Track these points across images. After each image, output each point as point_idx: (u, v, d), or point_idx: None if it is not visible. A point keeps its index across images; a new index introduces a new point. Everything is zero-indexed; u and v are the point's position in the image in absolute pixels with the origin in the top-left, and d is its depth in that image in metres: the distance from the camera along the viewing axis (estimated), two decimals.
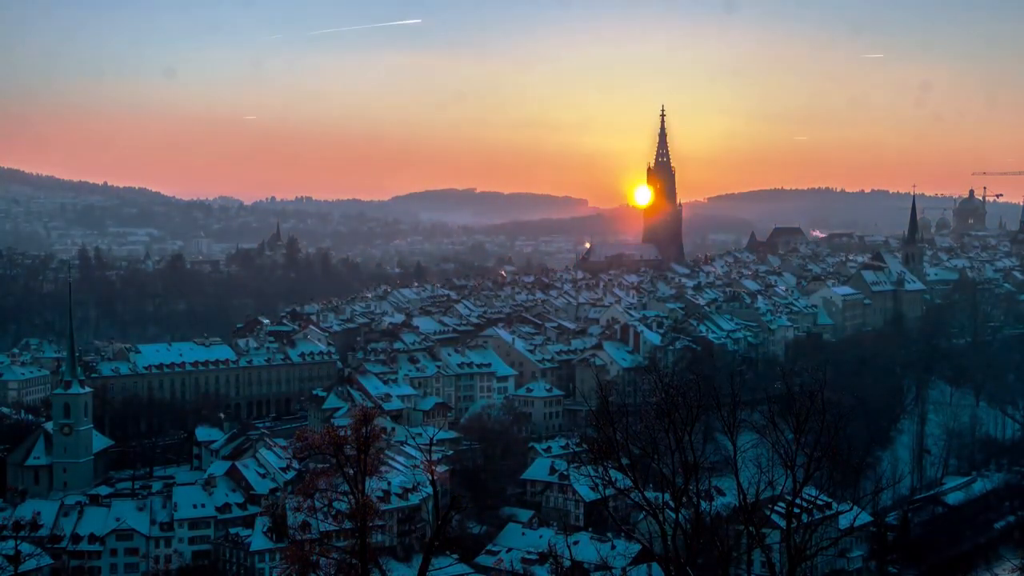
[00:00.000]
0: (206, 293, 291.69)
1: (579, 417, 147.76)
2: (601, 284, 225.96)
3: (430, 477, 62.62)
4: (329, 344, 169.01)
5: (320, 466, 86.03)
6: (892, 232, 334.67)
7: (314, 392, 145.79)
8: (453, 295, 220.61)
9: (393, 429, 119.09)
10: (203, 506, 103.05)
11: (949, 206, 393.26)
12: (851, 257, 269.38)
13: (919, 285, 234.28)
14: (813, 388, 41.66)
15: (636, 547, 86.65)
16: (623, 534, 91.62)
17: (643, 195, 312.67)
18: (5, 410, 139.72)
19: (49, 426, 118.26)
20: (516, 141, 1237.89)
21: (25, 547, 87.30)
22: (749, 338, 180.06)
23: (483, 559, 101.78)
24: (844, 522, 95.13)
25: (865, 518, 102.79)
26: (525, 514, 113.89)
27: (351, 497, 50.83)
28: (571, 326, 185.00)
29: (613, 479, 41.96)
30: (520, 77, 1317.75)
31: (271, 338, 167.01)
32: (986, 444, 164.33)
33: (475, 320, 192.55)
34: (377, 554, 64.46)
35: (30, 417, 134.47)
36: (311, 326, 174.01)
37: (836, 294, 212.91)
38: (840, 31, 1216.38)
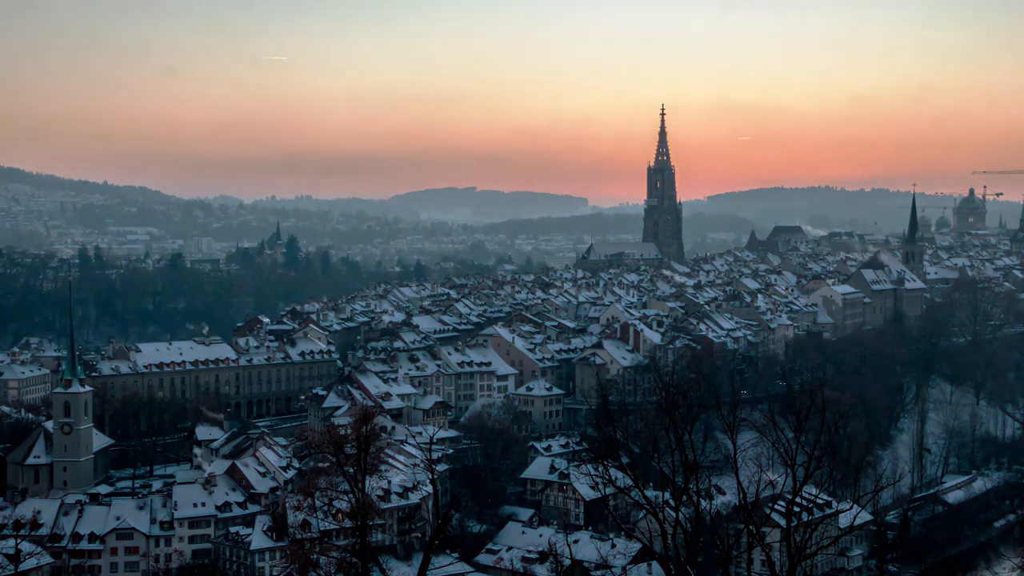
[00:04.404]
0: (206, 292, 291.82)
1: (579, 416, 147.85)
2: (601, 283, 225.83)
3: (430, 476, 62.78)
4: (329, 343, 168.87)
5: (320, 464, 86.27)
6: (892, 231, 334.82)
7: (314, 391, 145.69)
8: (453, 294, 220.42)
9: (393, 428, 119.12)
10: (203, 505, 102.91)
11: (949, 205, 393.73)
12: (851, 256, 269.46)
13: (919, 284, 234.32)
14: (813, 387, 41.71)
15: (636, 546, 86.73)
16: (623, 533, 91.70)
17: (643, 194, 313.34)
18: (5, 409, 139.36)
19: (49, 425, 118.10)
20: (516, 140, 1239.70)
21: (25, 546, 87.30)
22: (749, 337, 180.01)
23: (483, 558, 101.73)
24: (844, 521, 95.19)
25: (865, 517, 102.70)
26: (525, 513, 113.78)
27: (351, 496, 50.95)
28: (571, 325, 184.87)
29: (613, 478, 42.03)
30: (520, 76, 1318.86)
31: (271, 337, 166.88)
32: (986, 443, 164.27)
33: (475, 319, 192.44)
34: (377, 553, 64.57)
35: (30, 416, 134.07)
36: (311, 325, 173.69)
37: (836, 293, 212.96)
38: (840, 30, 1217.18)
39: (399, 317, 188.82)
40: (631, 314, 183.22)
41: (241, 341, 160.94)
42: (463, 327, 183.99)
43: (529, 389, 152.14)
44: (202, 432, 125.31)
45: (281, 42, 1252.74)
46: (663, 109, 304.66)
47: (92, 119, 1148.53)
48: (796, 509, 42.04)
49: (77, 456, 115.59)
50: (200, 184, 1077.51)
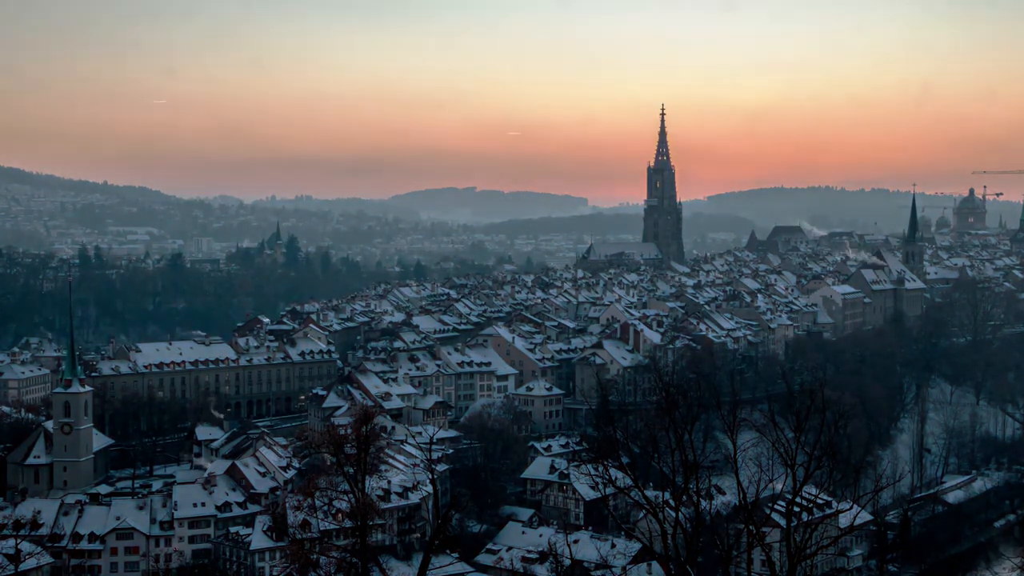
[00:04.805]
0: (206, 292, 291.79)
1: (579, 416, 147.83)
2: (601, 283, 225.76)
3: (430, 476, 62.78)
4: (329, 343, 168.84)
5: (321, 463, 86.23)
6: (892, 231, 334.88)
7: (314, 391, 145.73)
8: (453, 294, 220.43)
9: (393, 428, 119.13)
10: (203, 505, 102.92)
11: (949, 205, 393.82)
12: (851, 256, 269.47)
13: (919, 284, 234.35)
14: (813, 387, 41.66)
15: (636, 546, 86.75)
16: (623, 533, 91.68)
17: (643, 194, 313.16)
18: (5, 409, 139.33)
19: (49, 425, 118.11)
20: (516, 140, 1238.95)
21: (25, 546, 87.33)
22: (749, 337, 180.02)
23: (483, 558, 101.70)
24: (844, 521, 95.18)
25: (865, 517, 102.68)
26: (525, 513, 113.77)
27: (351, 496, 50.96)
28: (571, 325, 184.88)
29: (613, 478, 42.03)
30: (520, 76, 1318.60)
31: (271, 337, 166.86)
32: (986, 443, 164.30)
33: (475, 319, 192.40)
34: (377, 553, 64.53)
35: (30, 416, 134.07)
36: (311, 325, 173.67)
37: (836, 293, 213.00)
38: (841, 29, 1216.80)
39: (399, 317, 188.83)
40: (631, 314, 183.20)
41: (241, 341, 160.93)
42: (463, 327, 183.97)
43: (529, 389, 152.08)
44: (202, 432, 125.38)
45: (281, 42, 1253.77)
46: (663, 109, 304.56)
47: (92, 119, 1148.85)
48: (796, 509, 42.01)
49: (77, 456, 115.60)
50: (200, 184, 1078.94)
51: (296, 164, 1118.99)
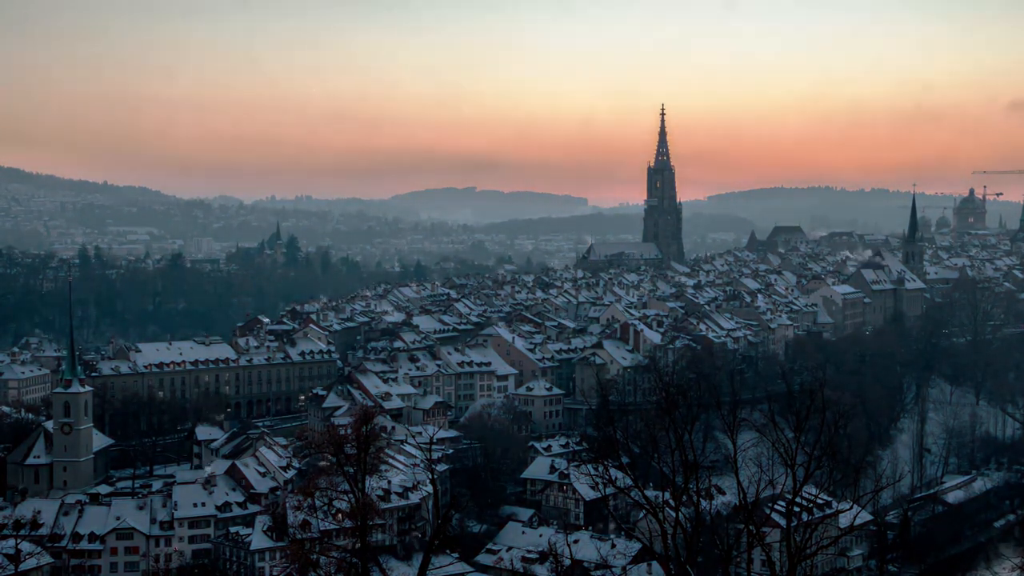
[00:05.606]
0: (206, 292, 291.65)
1: (579, 416, 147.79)
2: (601, 283, 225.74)
3: (430, 476, 62.76)
4: (329, 343, 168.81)
5: (321, 464, 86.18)
6: (892, 231, 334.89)
7: (314, 391, 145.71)
8: (453, 294, 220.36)
9: (393, 428, 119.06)
10: (203, 505, 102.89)
11: (949, 205, 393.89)
12: (851, 256, 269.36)
13: (919, 284, 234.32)
14: (813, 387, 41.65)
15: (636, 546, 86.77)
16: (623, 533, 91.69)
17: (643, 194, 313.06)
18: (5, 409, 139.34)
19: (49, 425, 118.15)
20: (516, 140, 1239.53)
21: (25, 546, 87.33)
22: (749, 337, 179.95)
23: (483, 558, 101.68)
24: (844, 521, 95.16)
25: (865, 517, 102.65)
26: (525, 513, 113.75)
27: (351, 496, 51.00)
28: (571, 325, 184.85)
29: (613, 478, 42.05)
30: (520, 76, 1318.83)
31: (271, 337, 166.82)
32: (986, 443, 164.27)
33: (475, 319, 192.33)
34: (377, 553, 64.53)
35: (30, 416, 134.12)
36: (311, 325, 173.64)
37: (836, 293, 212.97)
38: (842, 29, 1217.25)
39: (399, 317, 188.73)
40: (631, 314, 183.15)
41: (241, 341, 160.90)
42: (463, 327, 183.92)
43: (529, 389, 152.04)
44: (202, 432, 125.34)
45: (280, 42, 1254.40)
46: (663, 109, 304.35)
47: (92, 119, 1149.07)
48: (796, 509, 42.00)
49: (77, 456, 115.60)
50: (200, 184, 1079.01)
51: (296, 164, 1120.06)
